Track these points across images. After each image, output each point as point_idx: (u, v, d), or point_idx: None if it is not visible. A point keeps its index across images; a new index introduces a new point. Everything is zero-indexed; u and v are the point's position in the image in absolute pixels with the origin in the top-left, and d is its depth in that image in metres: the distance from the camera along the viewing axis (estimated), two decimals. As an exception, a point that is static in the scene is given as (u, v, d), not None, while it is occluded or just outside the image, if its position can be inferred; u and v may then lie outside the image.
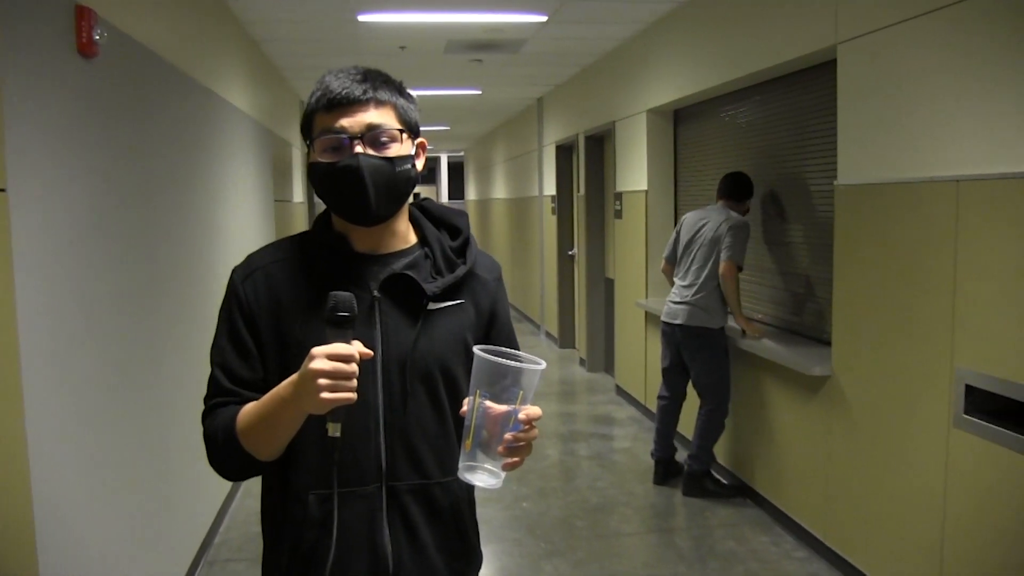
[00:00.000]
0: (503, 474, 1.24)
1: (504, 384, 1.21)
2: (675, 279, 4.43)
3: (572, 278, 8.31)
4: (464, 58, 6.59)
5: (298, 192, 7.97)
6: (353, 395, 1.18)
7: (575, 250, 8.03)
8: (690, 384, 4.42)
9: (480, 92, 8.60)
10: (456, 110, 10.27)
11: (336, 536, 1.30)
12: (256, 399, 1.30)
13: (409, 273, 1.36)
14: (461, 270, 1.41)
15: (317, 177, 1.33)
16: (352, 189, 1.30)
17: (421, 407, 1.36)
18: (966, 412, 2.66)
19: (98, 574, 2.44)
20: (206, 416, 1.36)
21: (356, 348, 1.19)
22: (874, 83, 3.12)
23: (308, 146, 1.37)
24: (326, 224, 1.42)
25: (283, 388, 1.24)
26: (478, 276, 1.46)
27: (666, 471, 4.52)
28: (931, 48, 2.78)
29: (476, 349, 1.22)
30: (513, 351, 1.26)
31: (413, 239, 1.44)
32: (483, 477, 1.23)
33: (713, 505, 4.22)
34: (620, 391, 6.52)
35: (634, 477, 4.70)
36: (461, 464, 1.24)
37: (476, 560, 1.47)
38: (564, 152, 8.29)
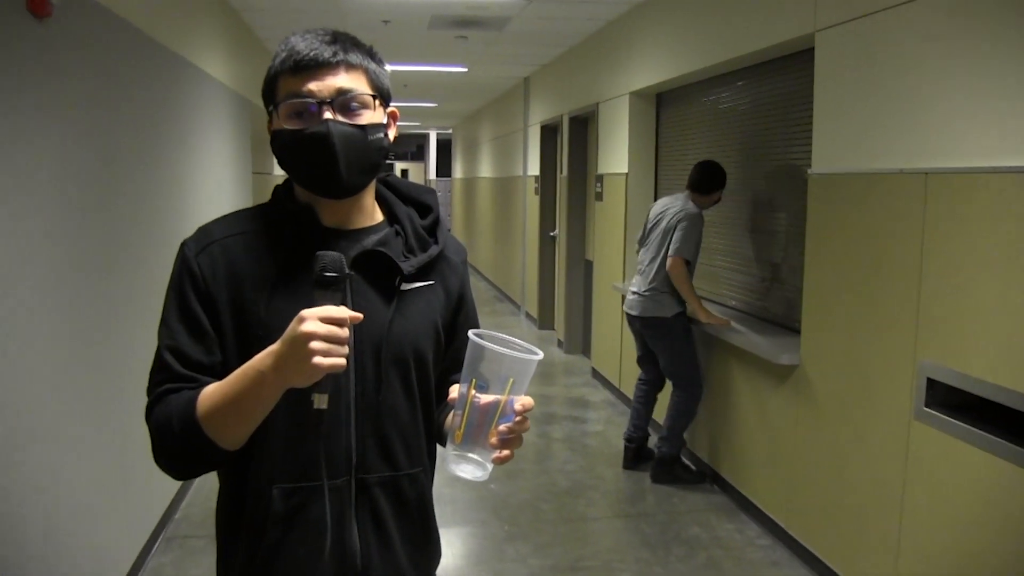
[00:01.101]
0: (491, 466, 1.17)
1: (499, 373, 1.13)
2: (636, 266, 4.43)
3: (553, 259, 8.28)
4: (449, 34, 6.50)
5: (278, 165, 7.88)
6: (344, 362, 1.10)
7: (557, 231, 7.99)
8: None
9: (466, 69, 8.51)
10: (442, 87, 10.17)
11: (303, 534, 1.22)
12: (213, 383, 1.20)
13: (383, 250, 1.28)
14: (434, 249, 1.34)
15: (282, 145, 1.24)
16: (321, 158, 1.20)
17: (394, 394, 1.29)
18: (927, 405, 2.66)
19: (41, 550, 2.40)
20: (154, 405, 1.22)
21: (345, 311, 1.10)
22: (850, 72, 3.08)
23: (270, 112, 1.27)
24: (288, 196, 1.31)
25: (259, 360, 1.13)
26: (448, 258, 1.39)
27: (636, 455, 4.52)
28: (907, 38, 2.74)
29: (471, 335, 1.14)
30: (507, 337, 1.17)
31: (380, 216, 1.35)
32: (470, 469, 1.17)
33: (681, 491, 4.23)
34: (596, 374, 6.52)
35: (604, 461, 4.69)
36: (449, 455, 1.16)
37: (437, 552, 1.42)
38: (549, 133, 8.22)
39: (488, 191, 12.17)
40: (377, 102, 1.26)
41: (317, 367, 1.07)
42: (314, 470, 1.23)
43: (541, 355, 1.14)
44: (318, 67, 1.21)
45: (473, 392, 1.14)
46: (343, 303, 1.14)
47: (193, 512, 3.90)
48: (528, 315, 9.17)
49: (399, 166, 22.29)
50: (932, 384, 2.64)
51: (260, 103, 1.29)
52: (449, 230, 1.43)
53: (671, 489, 4.25)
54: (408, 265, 1.30)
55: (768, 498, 3.75)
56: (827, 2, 3.19)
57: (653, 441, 4.55)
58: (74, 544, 2.64)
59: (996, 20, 2.39)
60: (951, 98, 2.55)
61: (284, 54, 1.23)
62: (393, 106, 1.33)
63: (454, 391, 1.19)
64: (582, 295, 7.32)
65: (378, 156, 1.27)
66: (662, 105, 5.56)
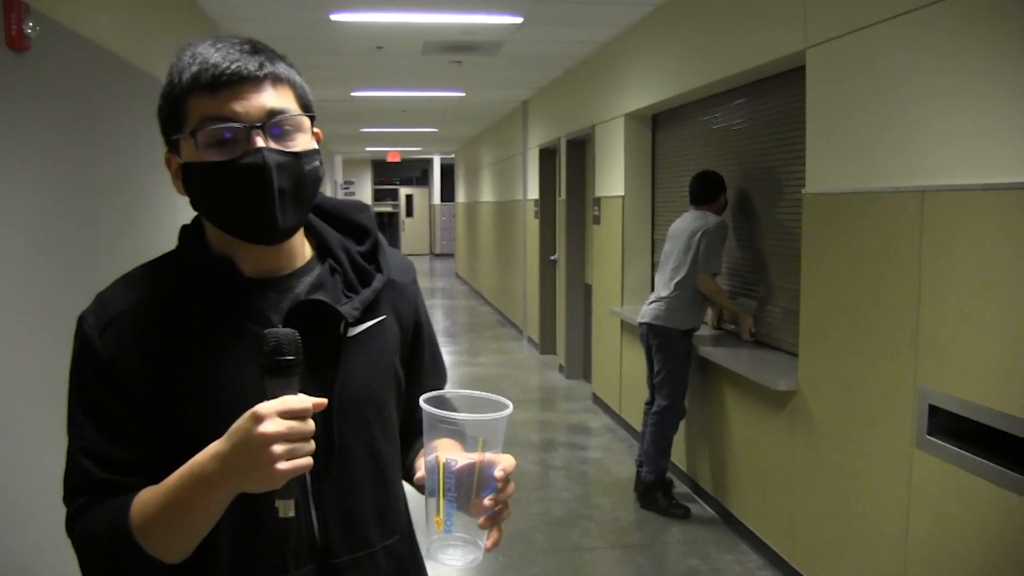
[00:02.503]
0: (482, 544, 1.02)
1: (465, 435, 1.01)
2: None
3: (554, 283, 8.20)
4: (443, 59, 6.48)
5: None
6: (311, 461, 0.93)
7: (556, 255, 7.93)
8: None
9: (464, 94, 8.49)
10: (441, 112, 10.16)
11: None
12: (141, 487, 1.01)
13: (320, 298, 1.08)
14: (378, 281, 1.15)
15: (201, 181, 1.02)
16: (256, 196, 1.00)
17: (354, 460, 1.11)
18: (929, 433, 2.55)
19: (9, 565, 2.32)
20: (75, 522, 1.02)
21: (307, 400, 0.94)
22: (842, 88, 3.01)
23: (172, 141, 1.05)
24: (199, 243, 1.10)
25: (202, 464, 0.94)
26: (394, 282, 1.19)
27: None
28: (898, 54, 2.67)
29: (422, 402, 1.00)
30: (467, 392, 1.04)
31: (310, 252, 1.15)
32: (460, 554, 1.02)
33: (678, 521, 4.11)
34: (596, 399, 6.41)
35: (602, 490, 4.58)
36: (432, 543, 1.02)
37: None
38: (547, 156, 8.18)
39: (490, 215, 12.13)
40: (310, 123, 1.08)
41: (280, 473, 0.91)
42: (276, 563, 1.05)
43: (510, 408, 1.00)
44: (242, 83, 1.00)
45: (444, 460, 1.00)
46: (298, 390, 0.95)
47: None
48: (530, 340, 9.08)
49: (404, 191, 22.37)
50: (934, 411, 2.54)
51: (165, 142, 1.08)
52: (388, 245, 1.25)
53: (668, 520, 4.12)
54: (351, 307, 1.10)
55: (769, 528, 3.64)
56: (817, 19, 3.13)
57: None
58: (46, 562, 2.56)
59: (989, 35, 2.31)
60: (946, 114, 2.47)
61: (195, 68, 1.01)
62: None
63: (421, 468, 1.04)
64: (582, 319, 7.24)
65: (314, 188, 1.08)
66: (658, 126, 5.50)
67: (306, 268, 1.14)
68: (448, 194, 20.28)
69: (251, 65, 1.01)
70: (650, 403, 4.40)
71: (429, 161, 21.27)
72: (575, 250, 7.26)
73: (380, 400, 1.15)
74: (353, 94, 8.29)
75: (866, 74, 2.85)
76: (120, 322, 1.04)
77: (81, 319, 1.06)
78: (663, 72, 4.82)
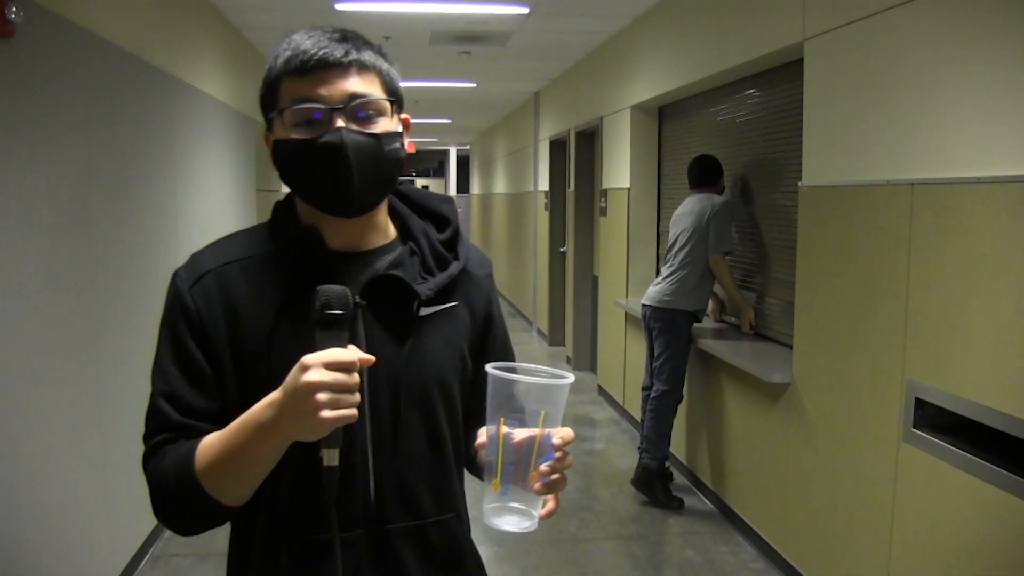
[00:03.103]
0: (537, 513, 1.04)
1: (527, 406, 1.02)
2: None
3: (563, 275, 8.21)
4: (452, 50, 6.49)
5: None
6: (355, 412, 0.97)
7: (566, 247, 7.93)
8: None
9: (475, 85, 8.50)
10: (454, 103, 10.17)
11: None
12: (213, 432, 1.08)
13: (396, 273, 1.15)
14: (455, 267, 1.21)
15: (287, 157, 1.10)
16: (333, 172, 1.07)
17: (415, 434, 1.15)
18: (915, 426, 2.55)
19: (12, 568, 2.37)
20: (149, 458, 1.09)
21: (355, 353, 0.98)
22: (838, 80, 3.00)
23: (268, 119, 1.13)
24: (289, 215, 1.18)
25: (259, 412, 1.00)
26: (470, 274, 1.25)
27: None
28: (892, 44, 2.66)
29: (489, 368, 1.03)
30: (529, 366, 1.06)
31: (393, 233, 1.22)
32: (515, 520, 1.03)
33: (677, 512, 4.12)
34: (602, 391, 6.42)
35: (602, 481, 4.60)
36: (487, 508, 1.03)
37: None
38: (558, 148, 8.18)
39: (503, 207, 12.15)
40: (392, 108, 1.14)
41: (325, 421, 0.95)
42: (325, 524, 1.09)
43: (572, 378, 1.03)
44: (328, 68, 1.08)
45: (505, 430, 1.01)
46: (351, 342, 1.01)
47: (181, 531, 3.86)
48: (540, 331, 9.10)
49: (420, 182, 22.41)
50: (921, 404, 2.53)
51: (262, 120, 1.17)
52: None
53: (665, 510, 4.14)
54: (426, 288, 1.16)
55: (764, 521, 3.64)
56: (816, 10, 3.11)
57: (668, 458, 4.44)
58: (49, 563, 2.61)
59: (982, 26, 2.30)
60: (938, 105, 2.46)
61: (288, 53, 1.09)
62: (407, 119, 1.20)
63: (482, 435, 1.07)
64: (590, 311, 7.24)
65: (394, 168, 1.14)
66: (665, 119, 5.48)
67: (388, 247, 1.20)
68: (464, 185, 20.30)
69: (337, 52, 1.09)
70: (647, 387, 4.40)
71: (445, 152, 21.29)
72: (584, 242, 7.27)
73: (446, 381, 1.19)
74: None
75: (861, 66, 2.84)
76: (208, 279, 1.12)
77: (175, 274, 1.15)
78: (668, 64, 4.80)
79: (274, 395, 0.99)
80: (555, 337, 8.43)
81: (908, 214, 2.55)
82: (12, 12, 2.30)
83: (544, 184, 8.54)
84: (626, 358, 5.69)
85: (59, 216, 2.77)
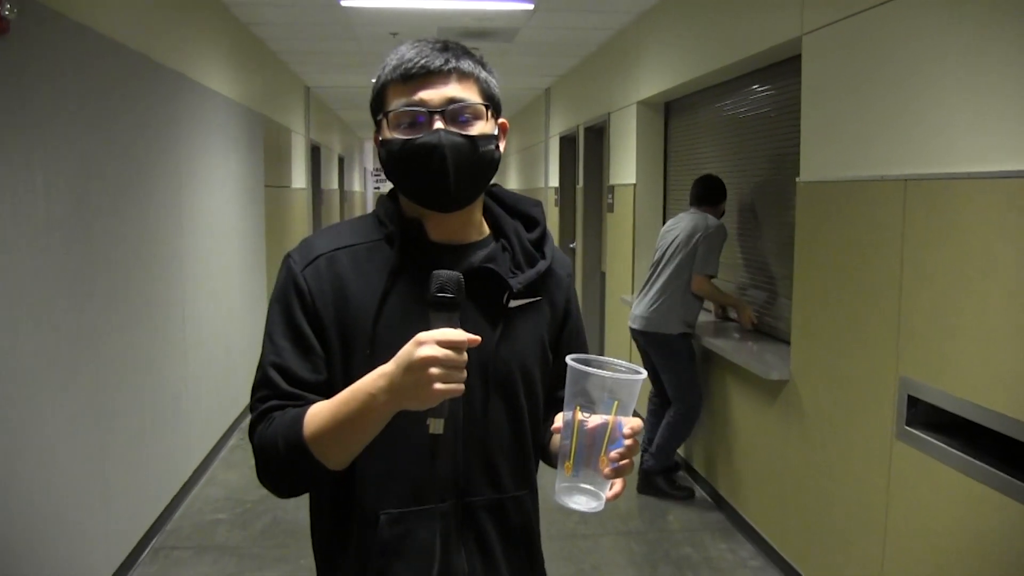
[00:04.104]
0: (604, 495, 1.12)
1: (602, 397, 1.09)
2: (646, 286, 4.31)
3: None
4: (460, 46, 6.49)
5: (299, 178, 7.95)
6: (463, 386, 1.06)
7: (575, 243, 7.92)
8: None
9: (485, 81, 8.49)
10: (466, 99, 10.17)
11: (410, 560, 1.19)
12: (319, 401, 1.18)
13: (491, 266, 1.24)
14: (542, 264, 1.30)
15: (390, 155, 1.21)
16: (431, 169, 1.17)
17: (500, 415, 1.26)
18: (908, 424, 2.52)
19: (8, 559, 2.41)
20: (257, 423, 1.19)
21: (463, 334, 1.06)
22: (835, 75, 2.97)
23: (377, 122, 1.24)
24: (394, 209, 1.28)
25: (370, 382, 1.09)
26: (554, 272, 1.35)
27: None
28: (888, 38, 2.63)
29: (569, 360, 1.10)
30: (605, 359, 1.13)
31: (487, 230, 1.32)
32: (584, 500, 1.11)
33: (676, 509, 4.11)
34: (609, 388, 6.40)
35: (604, 477, 4.59)
36: (559, 486, 1.12)
37: None
38: (568, 144, 8.16)
39: (515, 203, 12.12)
40: (489, 112, 1.23)
41: (436, 393, 1.03)
42: (422, 494, 1.21)
43: (644, 374, 1.10)
44: (429, 75, 1.19)
45: (580, 417, 1.09)
46: (459, 325, 1.09)
47: (184, 524, 3.90)
48: (550, 327, 9.08)
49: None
50: (914, 402, 2.51)
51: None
52: None
53: (666, 506, 4.13)
54: (516, 282, 1.26)
55: (762, 518, 3.62)
56: (813, 4, 3.09)
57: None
58: (45, 553, 2.65)
59: (975, 22, 2.27)
60: (932, 99, 2.43)
61: (394, 62, 1.21)
62: (504, 123, 1.29)
63: (558, 420, 1.14)
64: (598, 307, 7.22)
65: (489, 168, 1.23)
66: (671, 115, 5.46)
67: (482, 243, 1.30)
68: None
69: (438, 61, 1.19)
70: (656, 393, 4.37)
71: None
72: (592, 238, 7.25)
73: (529, 369, 1.29)
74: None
75: (857, 61, 2.81)
76: (319, 262, 1.23)
77: (288, 256, 1.26)
78: (673, 59, 4.78)
79: (386, 367, 1.07)
80: (565, 333, 8.41)
81: (901, 210, 2.52)
82: (6, 9, 2.32)
83: (555, 180, 8.53)
84: (631, 355, 5.67)
85: (57, 214, 2.80)
